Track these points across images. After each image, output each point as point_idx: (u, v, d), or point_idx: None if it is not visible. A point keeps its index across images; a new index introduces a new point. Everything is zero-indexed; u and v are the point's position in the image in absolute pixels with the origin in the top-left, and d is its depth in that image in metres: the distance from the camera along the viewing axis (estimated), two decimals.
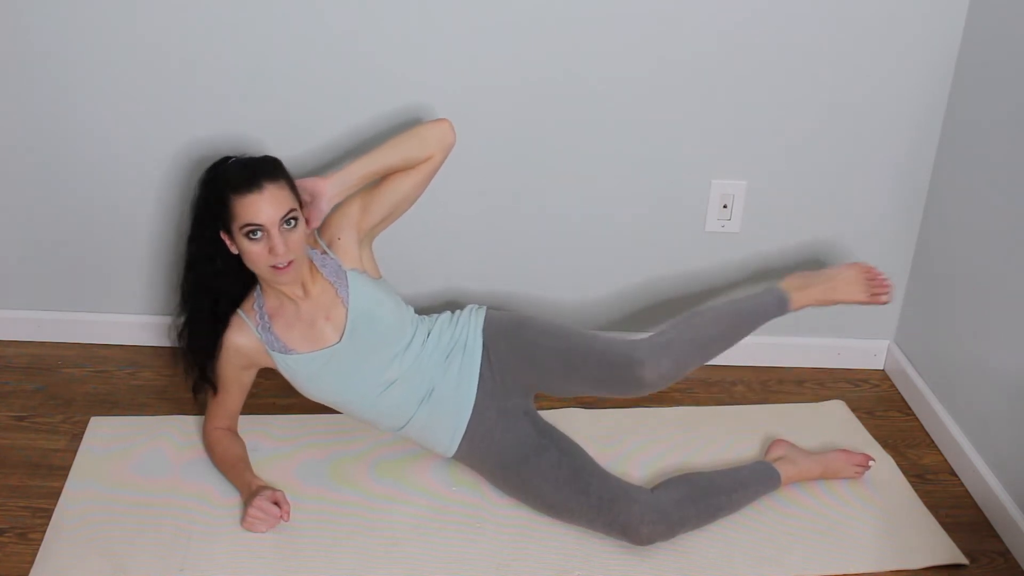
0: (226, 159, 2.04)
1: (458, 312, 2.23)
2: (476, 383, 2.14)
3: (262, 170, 1.97)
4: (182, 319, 2.14)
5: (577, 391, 2.23)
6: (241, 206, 1.94)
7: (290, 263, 1.98)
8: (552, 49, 2.36)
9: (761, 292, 2.25)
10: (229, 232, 1.99)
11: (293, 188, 2.01)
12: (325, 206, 2.06)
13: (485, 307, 2.24)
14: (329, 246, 2.13)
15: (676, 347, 2.07)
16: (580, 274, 2.63)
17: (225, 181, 1.97)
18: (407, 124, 2.40)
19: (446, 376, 2.14)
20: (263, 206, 1.93)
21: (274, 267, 1.98)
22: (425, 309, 2.38)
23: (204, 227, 2.04)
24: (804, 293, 2.23)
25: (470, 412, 2.13)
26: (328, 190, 2.06)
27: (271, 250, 1.95)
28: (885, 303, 2.26)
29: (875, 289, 2.25)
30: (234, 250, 2.02)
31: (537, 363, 2.13)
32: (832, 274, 2.26)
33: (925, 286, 2.59)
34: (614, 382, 2.07)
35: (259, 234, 1.95)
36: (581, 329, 2.18)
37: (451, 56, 2.36)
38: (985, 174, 2.31)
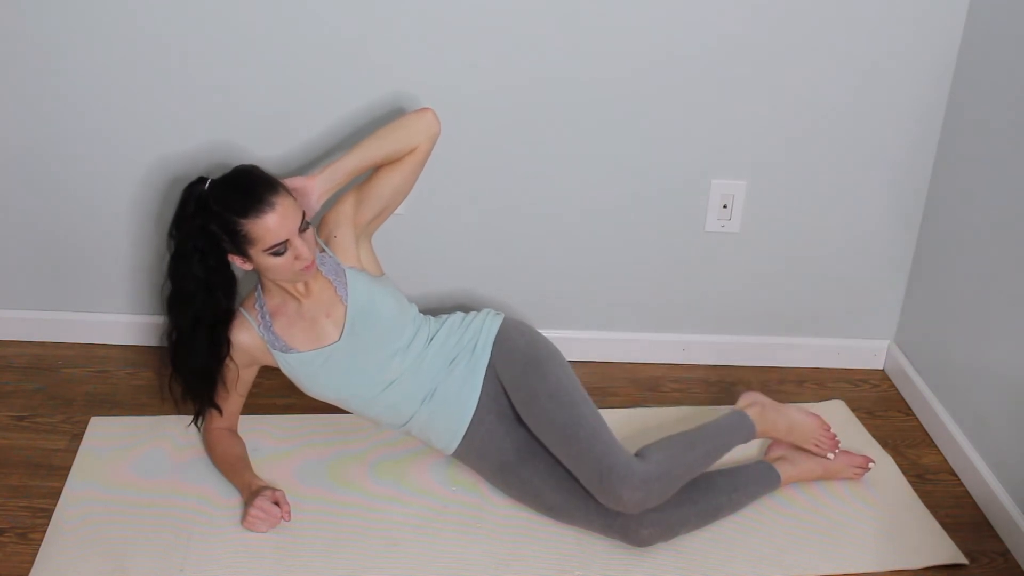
0: (201, 181, 2.00)
1: (472, 314, 2.23)
2: (480, 387, 2.14)
3: (259, 186, 1.95)
4: (177, 349, 2.09)
5: (555, 456, 2.08)
6: (260, 229, 1.93)
7: (313, 259, 2.00)
8: (552, 50, 2.36)
9: (730, 418, 2.19)
10: (246, 256, 1.98)
11: (287, 189, 2.00)
12: (315, 204, 2.06)
13: (502, 315, 2.23)
14: (327, 244, 2.13)
15: (665, 483, 1.98)
16: (580, 274, 2.63)
17: (227, 208, 1.94)
18: None
19: (450, 378, 2.14)
20: (283, 221, 1.93)
21: (303, 269, 1.99)
22: (433, 310, 2.38)
23: (205, 258, 1.99)
24: (770, 427, 2.21)
25: (471, 414, 2.13)
26: (316, 188, 2.06)
27: (297, 257, 1.96)
28: (827, 458, 2.24)
29: (823, 443, 2.23)
30: (248, 267, 2.01)
31: (534, 416, 2.08)
32: (796, 419, 2.23)
33: (925, 286, 2.58)
34: (594, 482, 1.98)
35: (285, 248, 1.95)
36: (589, 408, 2.07)
37: (453, 58, 2.36)
38: (985, 174, 2.31)
